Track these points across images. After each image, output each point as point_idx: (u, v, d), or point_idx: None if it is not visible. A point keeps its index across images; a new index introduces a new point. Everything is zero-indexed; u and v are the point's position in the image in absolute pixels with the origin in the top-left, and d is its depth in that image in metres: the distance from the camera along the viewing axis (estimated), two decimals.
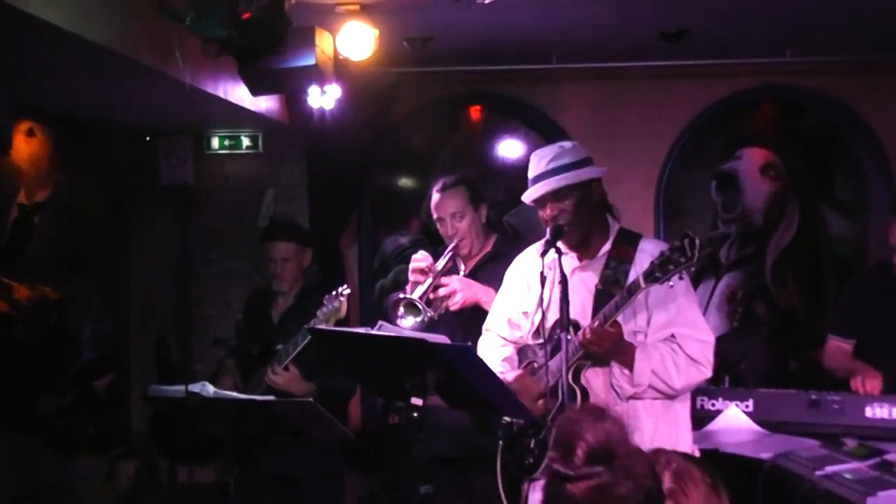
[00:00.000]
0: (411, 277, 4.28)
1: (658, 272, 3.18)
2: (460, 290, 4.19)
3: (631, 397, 3.43)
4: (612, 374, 3.42)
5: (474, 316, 4.12)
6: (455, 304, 4.19)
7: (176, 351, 6.52)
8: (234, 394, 4.17)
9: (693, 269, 3.17)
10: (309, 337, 4.23)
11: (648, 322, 3.44)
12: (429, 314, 4.17)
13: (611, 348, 3.32)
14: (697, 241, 3.11)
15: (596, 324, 3.31)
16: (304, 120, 5.41)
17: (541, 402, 3.45)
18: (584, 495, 1.62)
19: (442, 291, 4.21)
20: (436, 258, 4.31)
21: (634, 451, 1.65)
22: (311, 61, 4.39)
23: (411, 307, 4.21)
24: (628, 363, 3.38)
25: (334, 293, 4.31)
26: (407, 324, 4.17)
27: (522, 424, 3.54)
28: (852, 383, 4.20)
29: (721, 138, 6.93)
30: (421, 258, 4.31)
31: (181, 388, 4.07)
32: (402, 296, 4.24)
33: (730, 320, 6.86)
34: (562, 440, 1.69)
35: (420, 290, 4.21)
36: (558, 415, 3.31)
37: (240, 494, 4.36)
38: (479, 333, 3.91)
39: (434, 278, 4.22)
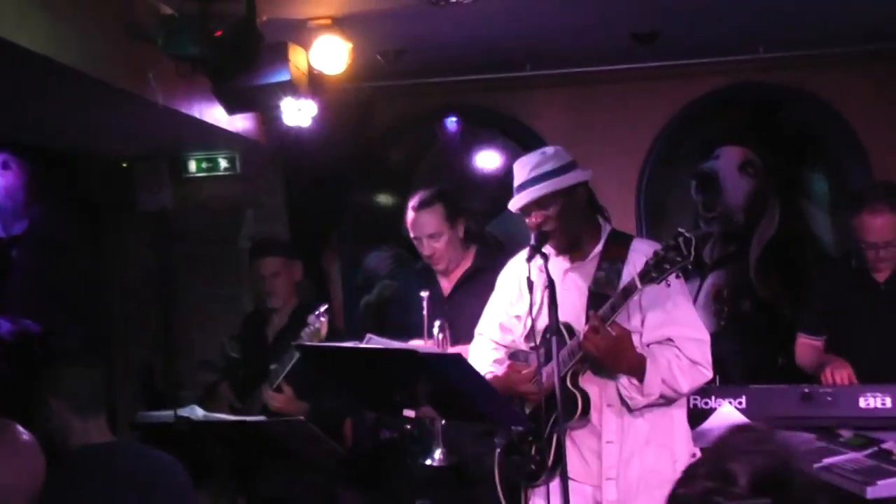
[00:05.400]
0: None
1: (654, 272, 3.14)
2: None
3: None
4: (621, 385, 3.37)
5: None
6: None
7: (161, 377, 6.45)
8: (223, 415, 4.13)
9: (689, 267, 3.14)
10: (297, 356, 4.19)
11: (643, 322, 3.41)
12: None
13: (608, 347, 3.26)
14: (693, 239, 3.08)
15: (596, 321, 3.24)
16: (281, 138, 5.38)
17: (534, 385, 3.41)
18: None
19: None
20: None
21: (808, 482, 1.45)
22: (285, 77, 4.37)
23: None
24: (636, 373, 3.33)
25: (315, 314, 4.28)
26: None
27: (523, 431, 3.51)
28: (822, 377, 4.17)
29: (698, 138, 6.92)
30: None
31: (170, 412, 4.04)
32: None
33: (717, 319, 6.84)
34: (718, 467, 1.48)
35: None
36: (557, 423, 3.28)
37: None
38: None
39: None
